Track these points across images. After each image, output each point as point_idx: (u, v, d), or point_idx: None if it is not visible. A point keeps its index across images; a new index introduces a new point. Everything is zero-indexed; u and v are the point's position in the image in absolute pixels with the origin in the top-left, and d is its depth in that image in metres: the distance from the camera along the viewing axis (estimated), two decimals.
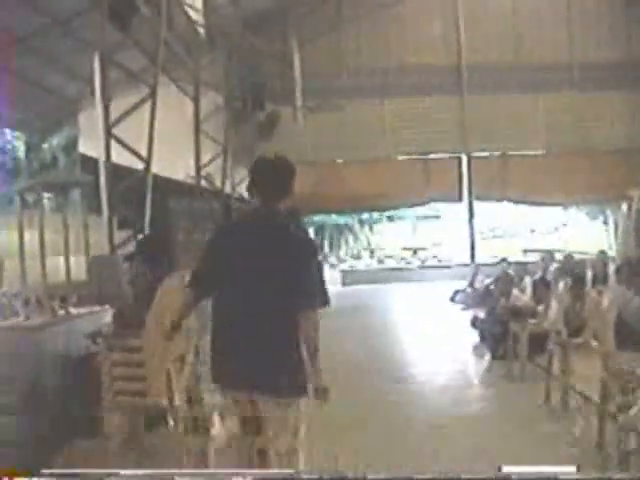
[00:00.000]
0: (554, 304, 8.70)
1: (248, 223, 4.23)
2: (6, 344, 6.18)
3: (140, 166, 11.73)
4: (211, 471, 3.94)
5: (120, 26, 10.60)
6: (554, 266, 14.60)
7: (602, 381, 5.81)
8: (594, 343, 7.13)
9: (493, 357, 10.49)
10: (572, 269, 12.49)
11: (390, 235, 34.55)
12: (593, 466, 5.42)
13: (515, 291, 11.26)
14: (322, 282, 4.10)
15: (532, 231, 34.74)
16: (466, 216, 25.18)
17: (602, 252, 15.08)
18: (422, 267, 28.02)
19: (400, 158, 24.63)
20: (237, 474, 2.92)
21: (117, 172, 11.45)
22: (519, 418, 7.15)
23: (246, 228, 4.19)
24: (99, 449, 5.92)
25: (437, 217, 33.97)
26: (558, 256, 16.85)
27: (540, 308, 9.70)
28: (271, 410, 3.91)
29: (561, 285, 9.78)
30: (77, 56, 13.66)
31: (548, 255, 16.65)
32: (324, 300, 4.36)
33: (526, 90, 23.31)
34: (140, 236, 10.85)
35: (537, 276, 12.50)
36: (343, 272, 27.24)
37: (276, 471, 3.65)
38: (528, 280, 12.21)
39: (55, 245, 9.82)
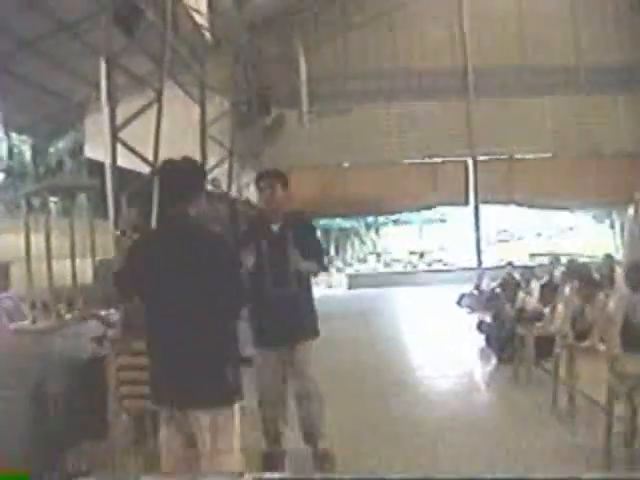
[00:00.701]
0: (560, 307, 8.69)
1: (162, 233, 4.16)
2: (13, 347, 6.20)
3: (146, 170, 11.74)
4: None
5: (125, 30, 10.63)
6: (560, 269, 14.57)
7: (609, 384, 5.80)
8: (601, 346, 7.12)
9: (499, 361, 10.47)
10: (579, 272, 12.47)
11: (396, 239, 34.53)
12: (600, 469, 5.42)
13: (521, 294, 11.26)
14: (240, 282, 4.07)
15: (538, 235, 34.69)
16: (472, 220, 25.14)
17: (608, 256, 15.02)
18: (428, 271, 28.03)
19: (406, 162, 24.59)
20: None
21: (123, 176, 11.47)
22: (525, 422, 7.14)
23: (160, 238, 4.11)
24: (106, 452, 5.93)
25: (443, 221, 33.97)
26: (564, 260, 16.82)
27: (546, 311, 9.68)
28: (203, 420, 3.83)
29: (567, 288, 9.76)
30: (83, 60, 13.72)
31: (555, 259, 16.63)
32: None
33: (532, 93, 23.27)
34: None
35: (544, 279, 12.48)
36: (349, 276, 27.28)
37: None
38: (534, 283, 12.20)
39: (61, 249, 9.83)
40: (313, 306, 5.80)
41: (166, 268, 3.89)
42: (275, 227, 5.64)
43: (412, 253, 31.85)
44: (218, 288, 3.83)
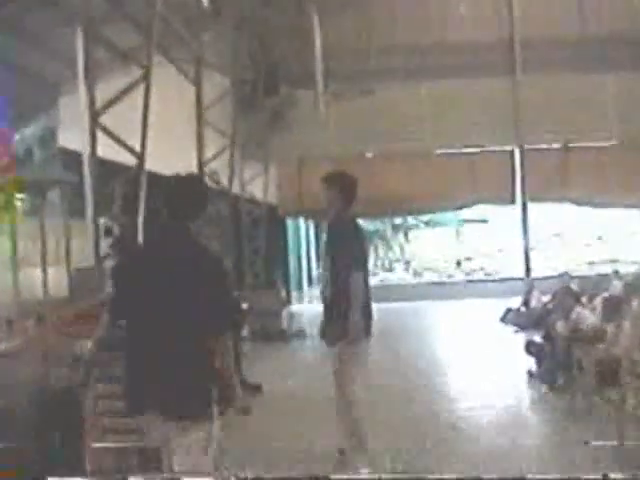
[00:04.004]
0: (627, 325, 8.61)
1: (156, 249, 4.87)
2: None
3: (132, 162, 11.75)
4: None
5: None
6: (625, 280, 14.50)
7: None
8: None
9: (551, 389, 10.41)
10: None
11: (429, 243, 34.45)
12: None
13: (579, 310, 11.17)
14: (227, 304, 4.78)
15: (599, 239, 34.49)
16: (519, 221, 25.05)
17: None
18: (467, 281, 27.98)
19: (441, 152, 24.55)
20: None
21: (104, 169, 11.48)
22: (584, 464, 7.06)
23: (154, 255, 4.82)
24: None
25: (485, 222, 33.84)
26: (631, 269, 16.74)
27: (610, 331, 9.60)
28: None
29: (635, 303, 9.68)
30: (56, 31, 13.74)
31: (618, 268, 16.58)
32: None
33: (593, 69, 23.03)
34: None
35: (605, 293, 12.42)
36: (373, 287, 27.20)
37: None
38: (594, 297, 12.13)
39: (30, 255, 9.86)
40: None
41: (155, 285, 4.46)
42: None
43: (447, 260, 31.82)
44: (200, 308, 4.42)
